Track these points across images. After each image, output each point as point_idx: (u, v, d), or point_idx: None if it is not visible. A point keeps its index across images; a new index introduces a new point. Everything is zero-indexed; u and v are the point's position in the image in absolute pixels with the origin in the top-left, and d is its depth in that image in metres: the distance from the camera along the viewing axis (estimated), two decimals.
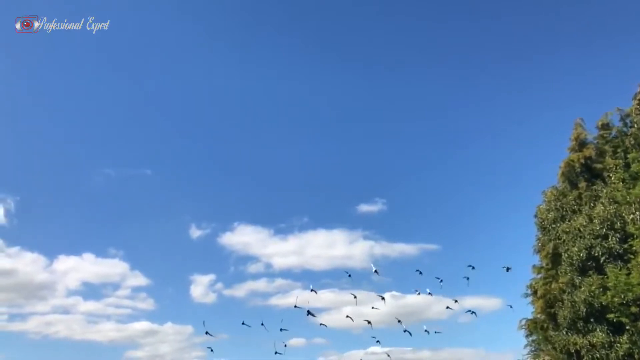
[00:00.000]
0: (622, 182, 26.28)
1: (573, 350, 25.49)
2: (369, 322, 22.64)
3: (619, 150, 28.07)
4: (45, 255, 49.40)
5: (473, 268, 28.16)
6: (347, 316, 23.00)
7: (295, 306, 20.97)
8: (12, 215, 48.74)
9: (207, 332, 21.06)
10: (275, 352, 19.58)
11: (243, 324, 21.07)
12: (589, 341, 24.54)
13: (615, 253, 24.78)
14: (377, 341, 25.58)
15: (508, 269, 27.56)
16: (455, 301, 27.59)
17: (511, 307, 29.50)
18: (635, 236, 23.69)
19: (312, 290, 23.45)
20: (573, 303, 25.20)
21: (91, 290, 51.62)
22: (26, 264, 48.74)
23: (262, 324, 20.20)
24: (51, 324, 47.72)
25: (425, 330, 26.18)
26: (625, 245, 24.47)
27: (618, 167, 27.17)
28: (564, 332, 25.94)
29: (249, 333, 47.53)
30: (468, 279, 26.40)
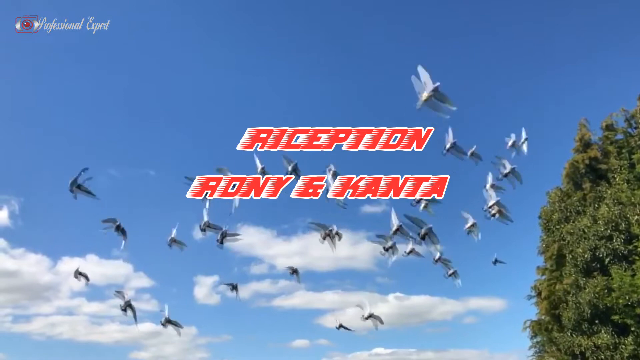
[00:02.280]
0: (627, 183, 26.27)
1: (578, 352, 25.42)
2: (295, 271, 16.31)
3: (623, 151, 28.04)
4: (49, 256, 49.35)
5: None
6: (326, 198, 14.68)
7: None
8: (17, 216, 48.78)
9: None
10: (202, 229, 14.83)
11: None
12: (594, 343, 24.50)
13: (620, 254, 24.75)
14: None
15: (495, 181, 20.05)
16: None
17: (495, 262, 21.34)
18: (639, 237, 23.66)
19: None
20: (577, 304, 25.16)
21: (95, 292, 51.71)
22: (30, 265, 48.99)
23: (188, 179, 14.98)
24: (55, 325, 47.91)
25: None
26: (630, 247, 24.46)
27: (622, 168, 27.15)
28: (569, 334, 25.88)
29: (251, 334, 47.46)
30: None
